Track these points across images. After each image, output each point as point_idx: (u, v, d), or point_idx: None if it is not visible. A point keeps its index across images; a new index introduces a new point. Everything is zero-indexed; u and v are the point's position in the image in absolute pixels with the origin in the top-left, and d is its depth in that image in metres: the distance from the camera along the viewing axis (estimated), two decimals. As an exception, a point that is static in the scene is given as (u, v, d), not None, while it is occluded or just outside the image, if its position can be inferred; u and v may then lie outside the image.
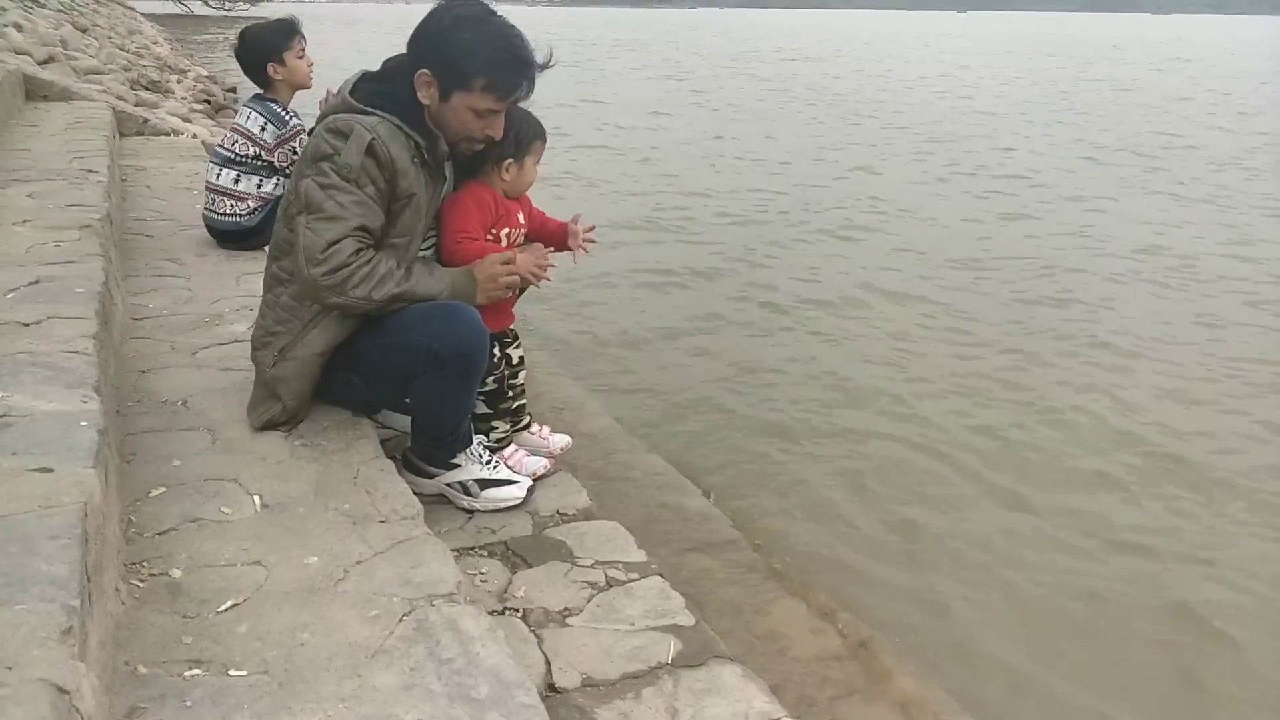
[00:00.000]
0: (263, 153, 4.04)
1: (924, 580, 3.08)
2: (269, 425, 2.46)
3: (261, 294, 2.51)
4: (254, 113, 4.05)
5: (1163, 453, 4.02)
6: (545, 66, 2.41)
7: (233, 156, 4.06)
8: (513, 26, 2.36)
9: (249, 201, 4.09)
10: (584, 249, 2.82)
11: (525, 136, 2.60)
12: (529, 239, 2.75)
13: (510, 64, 2.33)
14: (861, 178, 10.43)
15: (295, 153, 4.04)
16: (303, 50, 4.10)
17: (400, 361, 2.39)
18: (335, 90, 4.09)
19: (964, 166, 11.20)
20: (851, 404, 4.46)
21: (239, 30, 4.22)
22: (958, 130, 14.39)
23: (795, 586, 2.81)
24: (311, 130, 4.07)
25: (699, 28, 65.49)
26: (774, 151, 12.11)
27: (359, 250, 2.27)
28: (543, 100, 2.56)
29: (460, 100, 2.35)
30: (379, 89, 2.37)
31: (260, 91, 4.12)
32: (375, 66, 2.49)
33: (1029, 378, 4.80)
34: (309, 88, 4.20)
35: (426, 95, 2.36)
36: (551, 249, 2.75)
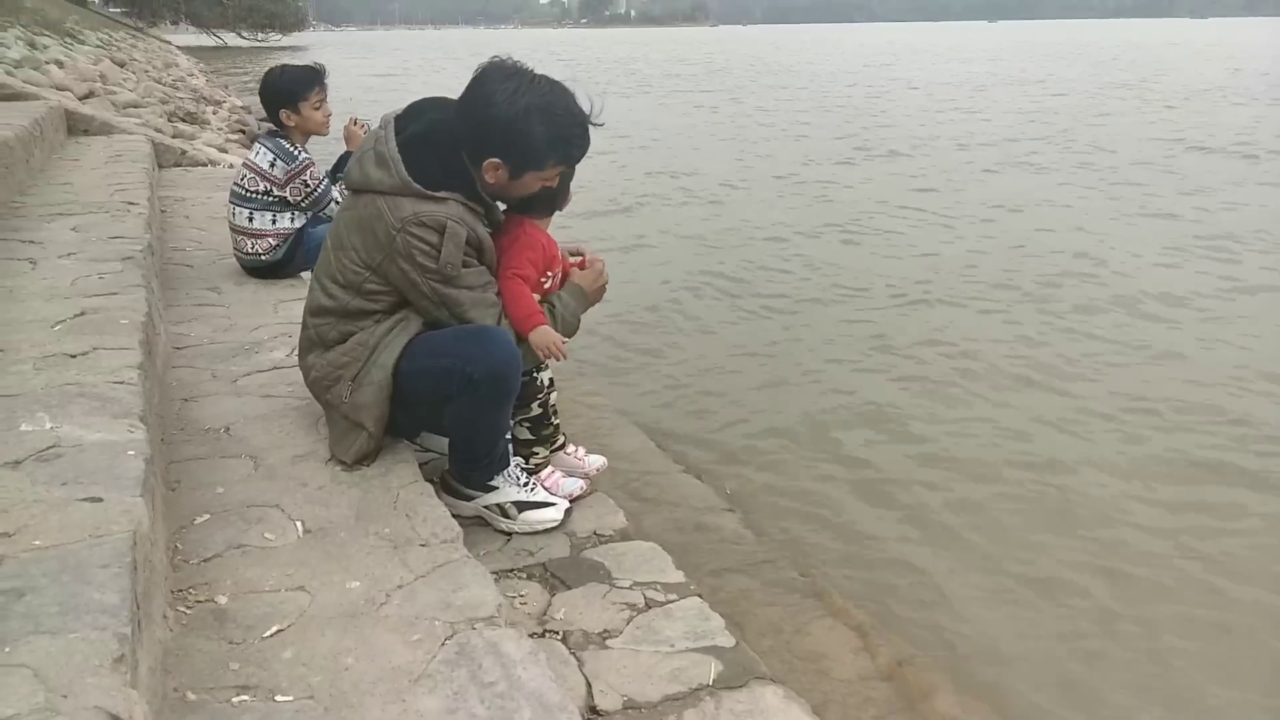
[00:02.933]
0: (274, 188, 4.08)
1: (966, 598, 3.04)
2: (361, 457, 2.48)
3: (319, 344, 2.52)
4: (264, 149, 4.10)
5: (1207, 475, 3.95)
6: (596, 122, 2.44)
7: (245, 194, 4.11)
8: (569, 95, 2.39)
9: (268, 239, 4.15)
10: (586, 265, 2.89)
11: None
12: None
13: (579, 139, 2.40)
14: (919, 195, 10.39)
15: (306, 185, 4.09)
16: (321, 100, 4.13)
17: (435, 385, 2.41)
18: (359, 122, 4.19)
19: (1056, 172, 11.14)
20: (893, 421, 4.42)
21: (270, 62, 4.28)
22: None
23: (835, 606, 2.79)
24: (335, 174, 4.18)
25: (727, 43, 65.60)
26: (800, 166, 12.10)
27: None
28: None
29: (532, 177, 2.41)
30: (432, 161, 2.36)
31: (274, 128, 4.17)
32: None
33: (1077, 388, 4.73)
34: (323, 135, 4.24)
35: (493, 177, 2.39)
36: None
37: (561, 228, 2.77)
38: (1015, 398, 4.65)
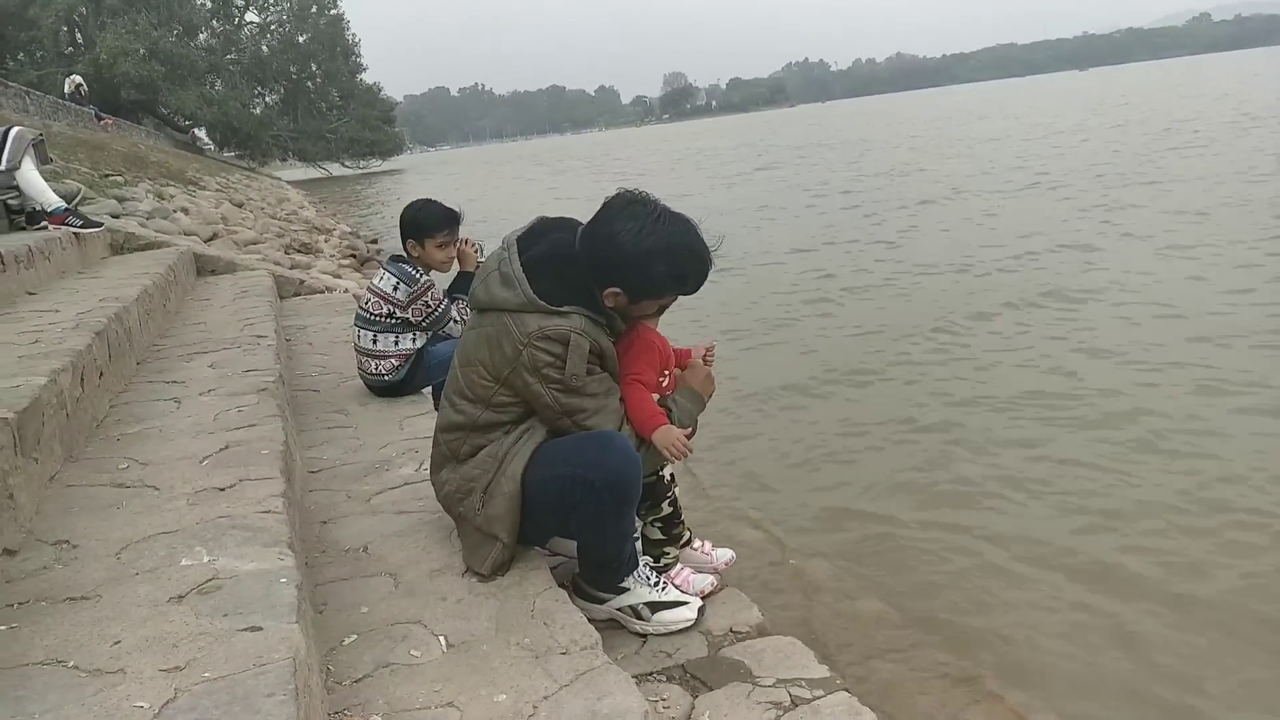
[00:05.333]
0: (396, 310, 4.25)
1: (1130, 674, 2.86)
2: (497, 567, 2.54)
3: (452, 458, 2.60)
4: (387, 273, 4.30)
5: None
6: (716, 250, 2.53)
7: (369, 317, 4.30)
8: (691, 233, 2.46)
9: (391, 359, 4.31)
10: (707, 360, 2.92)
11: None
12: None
13: (698, 275, 2.50)
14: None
15: (428, 305, 4.25)
16: (446, 243, 4.29)
17: (559, 493, 2.45)
18: (470, 242, 4.35)
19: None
20: (1035, 486, 4.26)
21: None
22: None
23: (992, 688, 2.67)
24: (452, 293, 4.35)
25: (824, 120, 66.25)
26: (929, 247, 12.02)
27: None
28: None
29: (649, 303, 2.54)
30: (558, 282, 2.44)
31: (399, 254, 4.37)
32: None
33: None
34: (443, 273, 4.42)
35: (612, 301, 2.49)
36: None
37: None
38: (1187, 466, 4.41)
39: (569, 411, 2.46)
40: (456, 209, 4.37)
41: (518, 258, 2.48)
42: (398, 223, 4.42)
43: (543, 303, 2.40)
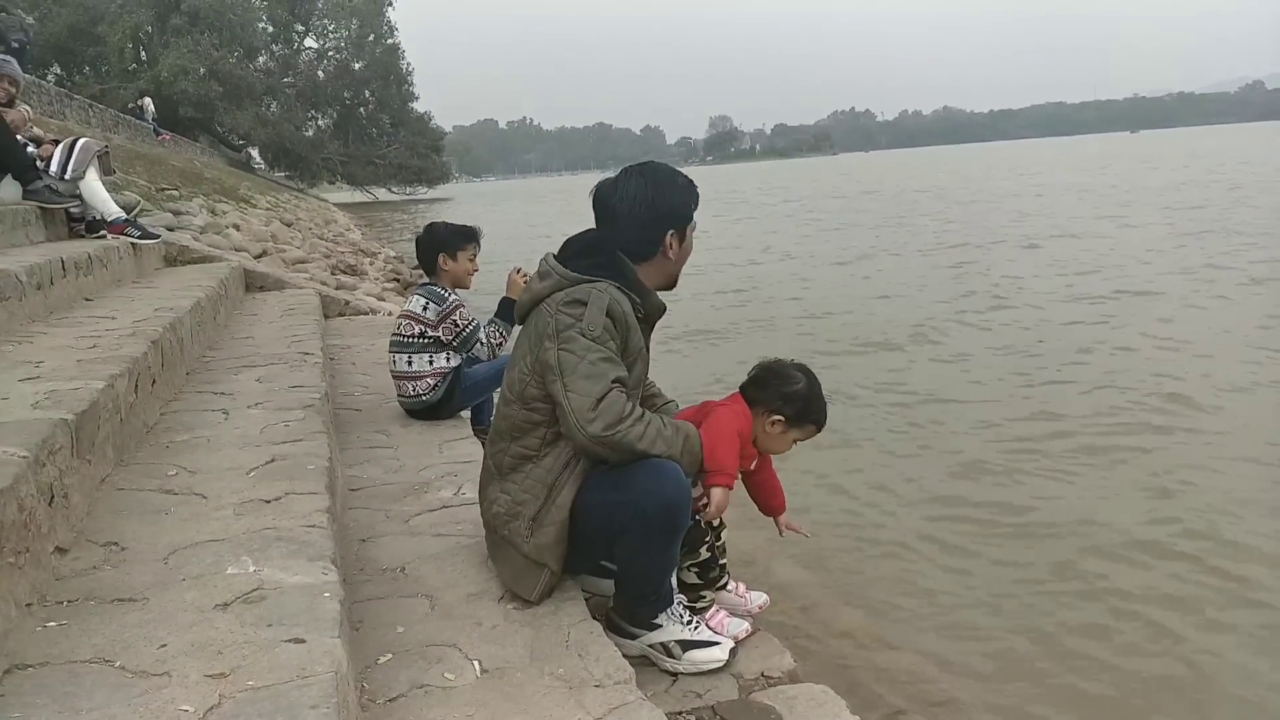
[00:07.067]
0: (428, 330, 4.38)
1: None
2: (545, 594, 2.56)
3: (497, 474, 2.63)
4: (417, 296, 4.47)
5: None
6: None
7: (403, 340, 4.42)
8: (657, 164, 2.75)
9: (426, 379, 4.41)
10: (785, 533, 2.98)
11: (808, 414, 2.72)
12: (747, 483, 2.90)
13: (691, 181, 2.72)
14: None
15: (456, 324, 4.37)
16: (473, 256, 4.53)
17: (608, 520, 2.46)
18: (521, 272, 4.44)
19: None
20: (1068, 553, 4.21)
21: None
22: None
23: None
24: (497, 317, 4.45)
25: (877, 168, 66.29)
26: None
27: (627, 401, 2.44)
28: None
29: (689, 231, 2.71)
30: (590, 262, 2.56)
31: (427, 280, 4.54)
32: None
33: None
34: (466, 289, 4.60)
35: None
36: (762, 509, 2.96)
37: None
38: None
39: (562, 372, 2.41)
40: (475, 227, 4.62)
41: (554, 260, 2.61)
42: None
43: (575, 274, 2.52)
